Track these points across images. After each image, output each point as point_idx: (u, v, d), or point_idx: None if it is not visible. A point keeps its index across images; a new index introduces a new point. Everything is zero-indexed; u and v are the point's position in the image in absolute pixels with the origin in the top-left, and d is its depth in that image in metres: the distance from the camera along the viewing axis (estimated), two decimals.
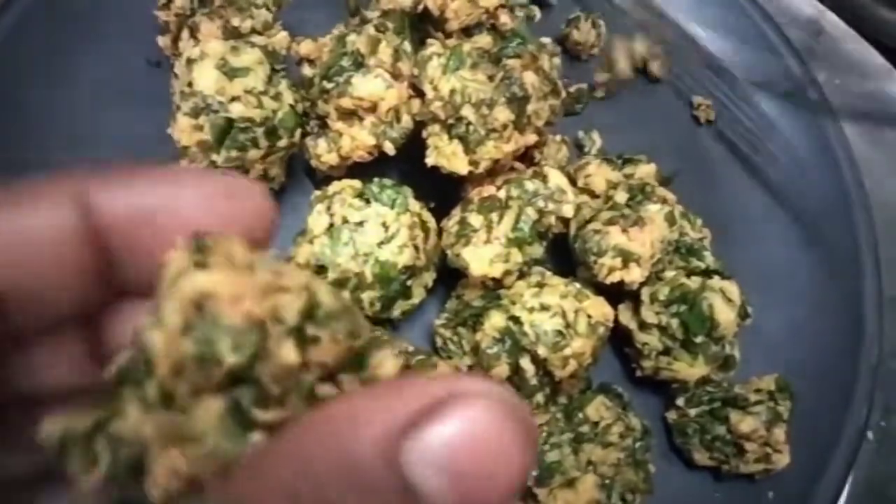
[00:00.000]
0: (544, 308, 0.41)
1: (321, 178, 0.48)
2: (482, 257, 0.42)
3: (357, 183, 0.44)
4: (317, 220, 0.43)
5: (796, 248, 0.54)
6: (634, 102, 0.59)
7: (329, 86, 0.44)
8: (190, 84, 0.41)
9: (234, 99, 0.41)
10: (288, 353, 0.14)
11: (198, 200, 0.18)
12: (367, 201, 0.43)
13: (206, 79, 0.41)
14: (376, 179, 0.44)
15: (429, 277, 0.45)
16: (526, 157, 0.49)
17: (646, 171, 0.50)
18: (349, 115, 0.45)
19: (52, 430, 0.14)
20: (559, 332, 0.41)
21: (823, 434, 0.47)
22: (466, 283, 0.45)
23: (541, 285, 0.43)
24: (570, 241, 0.46)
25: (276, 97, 0.43)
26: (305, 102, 0.46)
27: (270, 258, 0.15)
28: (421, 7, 0.46)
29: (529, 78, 0.42)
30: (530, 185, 0.43)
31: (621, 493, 0.42)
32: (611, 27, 0.59)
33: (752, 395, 0.45)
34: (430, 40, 0.45)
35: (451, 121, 0.42)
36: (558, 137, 0.52)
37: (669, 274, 0.45)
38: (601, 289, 0.44)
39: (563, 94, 0.46)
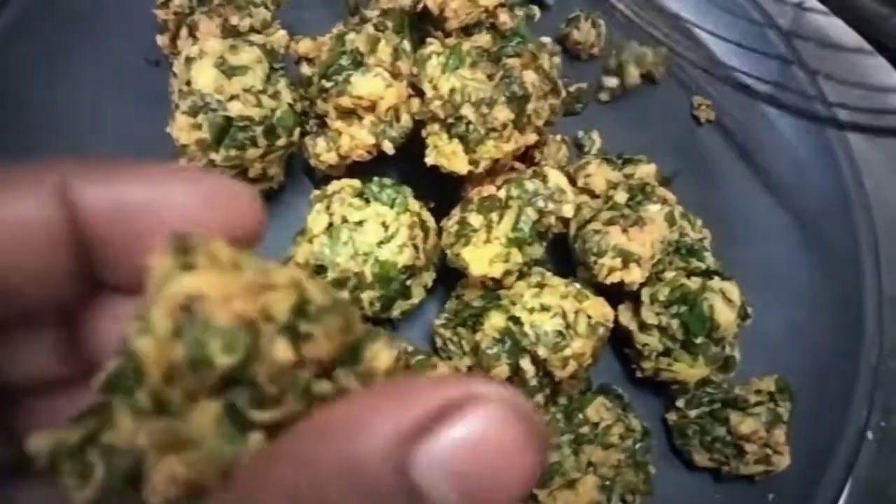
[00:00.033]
0: (544, 308, 0.41)
1: (320, 178, 0.48)
2: (482, 257, 0.42)
3: (356, 182, 0.44)
4: (316, 220, 0.42)
5: (796, 249, 0.54)
6: (634, 102, 0.59)
7: (328, 85, 0.44)
8: (188, 83, 0.41)
9: (232, 97, 0.41)
10: (281, 351, 0.13)
11: (185, 202, 0.17)
12: (367, 201, 0.43)
13: (204, 77, 0.41)
14: (376, 179, 0.44)
15: (428, 277, 0.45)
16: (526, 156, 0.49)
17: (646, 171, 0.50)
18: (348, 115, 0.45)
19: (42, 444, 0.14)
20: (559, 333, 0.40)
21: (823, 435, 0.47)
22: (466, 283, 0.45)
23: (541, 286, 0.42)
24: (570, 241, 0.46)
25: (275, 96, 0.43)
26: (304, 101, 0.46)
27: (255, 257, 0.15)
28: (420, 6, 0.46)
29: (529, 77, 0.42)
30: (530, 185, 0.43)
31: (621, 495, 0.42)
32: (611, 27, 0.59)
33: (752, 397, 0.45)
34: (429, 39, 0.45)
35: (450, 120, 0.42)
36: (558, 137, 0.52)
37: (669, 274, 0.45)
38: (601, 289, 0.44)
39: (563, 93, 0.46)
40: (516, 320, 0.41)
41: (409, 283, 0.43)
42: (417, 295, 0.45)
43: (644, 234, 0.44)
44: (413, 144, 0.45)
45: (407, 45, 0.46)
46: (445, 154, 0.43)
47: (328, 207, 0.43)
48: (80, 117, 0.49)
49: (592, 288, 0.44)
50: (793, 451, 0.44)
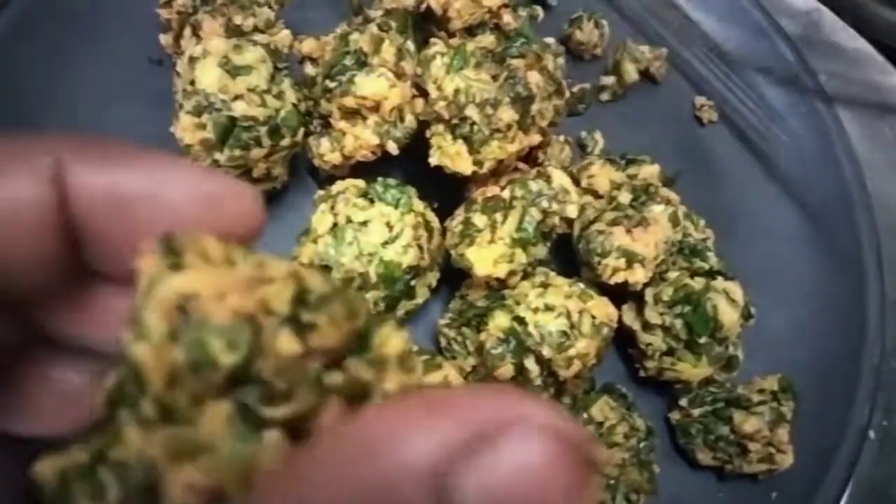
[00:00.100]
0: (549, 308, 0.41)
1: (324, 178, 0.48)
2: (486, 257, 0.42)
3: (361, 182, 0.44)
4: (320, 220, 0.42)
5: (799, 249, 0.54)
6: (637, 103, 0.59)
7: (332, 85, 0.44)
8: (192, 82, 0.41)
9: (236, 97, 0.41)
10: (286, 343, 0.13)
11: (185, 198, 0.16)
12: (371, 201, 0.43)
13: (208, 77, 0.41)
14: (380, 179, 0.44)
15: (433, 277, 0.45)
16: (529, 157, 0.48)
17: (649, 171, 0.50)
18: (352, 115, 0.45)
19: (49, 468, 0.13)
20: (563, 333, 0.40)
21: (826, 434, 0.47)
22: (470, 283, 0.45)
23: (545, 286, 0.42)
24: (573, 241, 0.46)
25: (279, 96, 0.43)
26: (308, 101, 0.46)
27: (247, 251, 0.14)
28: (424, 6, 0.46)
29: (534, 77, 0.42)
30: (534, 186, 0.43)
31: (626, 494, 0.42)
32: (612, 24, 0.59)
33: (755, 396, 0.45)
34: (433, 39, 0.45)
35: (454, 120, 0.42)
36: (562, 138, 0.52)
37: (673, 275, 0.45)
38: (605, 289, 0.44)
39: (567, 94, 0.46)
40: (521, 320, 0.41)
41: (413, 283, 0.43)
42: (422, 295, 0.45)
43: (648, 234, 0.44)
44: (417, 145, 0.45)
45: (411, 45, 0.46)
46: (449, 154, 0.43)
47: (332, 208, 0.43)
48: (82, 118, 0.49)
49: (596, 288, 0.44)
50: (796, 450, 0.45)
